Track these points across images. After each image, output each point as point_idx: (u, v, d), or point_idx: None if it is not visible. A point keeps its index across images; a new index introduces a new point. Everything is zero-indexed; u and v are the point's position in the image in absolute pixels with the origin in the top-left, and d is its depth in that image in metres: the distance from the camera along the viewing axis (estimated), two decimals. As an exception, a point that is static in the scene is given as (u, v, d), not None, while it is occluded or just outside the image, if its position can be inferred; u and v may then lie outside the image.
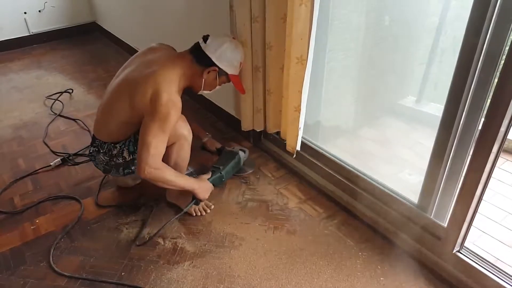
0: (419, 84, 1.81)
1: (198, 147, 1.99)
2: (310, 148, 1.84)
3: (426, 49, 1.65)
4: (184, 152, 1.61)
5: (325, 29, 1.63)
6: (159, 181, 1.47)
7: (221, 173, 1.74)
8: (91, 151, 1.67)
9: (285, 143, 1.83)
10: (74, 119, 2.48)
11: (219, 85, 1.63)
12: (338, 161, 1.73)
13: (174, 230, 1.63)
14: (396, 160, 1.81)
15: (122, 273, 1.45)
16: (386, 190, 1.54)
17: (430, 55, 1.64)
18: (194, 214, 1.69)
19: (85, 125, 2.42)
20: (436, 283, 1.36)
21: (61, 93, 2.82)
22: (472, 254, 1.31)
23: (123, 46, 3.55)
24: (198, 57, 1.53)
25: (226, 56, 1.54)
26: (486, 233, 1.63)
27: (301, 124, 1.66)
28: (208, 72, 1.54)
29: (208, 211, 1.71)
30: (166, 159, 1.60)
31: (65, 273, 1.44)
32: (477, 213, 1.24)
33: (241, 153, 1.87)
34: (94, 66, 3.33)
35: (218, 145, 1.98)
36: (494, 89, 1.06)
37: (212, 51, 1.52)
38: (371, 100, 1.94)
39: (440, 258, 1.38)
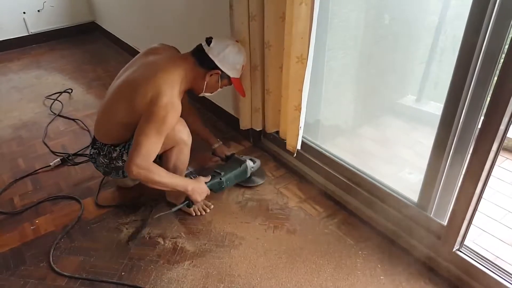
0: (419, 83, 1.81)
1: (200, 149, 1.97)
2: (310, 147, 1.84)
3: (426, 48, 1.65)
4: (183, 156, 1.61)
5: (324, 27, 1.63)
6: (147, 182, 1.45)
7: (221, 179, 1.67)
8: (91, 153, 1.66)
9: (285, 143, 1.83)
10: (73, 119, 2.48)
11: (221, 87, 1.62)
12: (338, 160, 1.73)
13: (174, 229, 1.63)
14: (396, 159, 1.81)
15: (122, 273, 1.45)
16: (386, 189, 1.54)
17: (430, 54, 1.64)
18: (194, 214, 1.69)
19: (84, 125, 2.42)
20: (436, 281, 1.36)
21: (61, 93, 2.81)
22: (472, 253, 1.31)
23: (123, 46, 3.54)
24: (201, 59, 1.52)
25: (229, 60, 1.53)
26: (486, 231, 1.64)
27: (302, 123, 1.66)
28: (211, 75, 1.54)
29: (208, 211, 1.71)
30: (165, 162, 1.60)
31: (65, 273, 1.44)
32: (476, 211, 1.24)
33: (249, 162, 1.78)
34: (94, 66, 3.33)
35: (228, 152, 1.91)
36: (494, 87, 1.06)
37: (215, 54, 1.51)
38: (371, 99, 1.94)
39: (440, 257, 1.38)
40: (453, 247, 1.32)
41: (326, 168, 1.77)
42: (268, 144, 2.09)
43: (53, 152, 2.15)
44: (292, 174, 1.92)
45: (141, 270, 1.46)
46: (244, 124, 2.00)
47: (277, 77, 1.73)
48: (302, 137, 1.78)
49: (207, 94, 1.64)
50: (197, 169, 1.93)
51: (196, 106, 2.56)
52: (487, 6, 1.01)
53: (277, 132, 1.97)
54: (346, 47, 1.82)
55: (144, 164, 1.39)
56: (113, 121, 1.54)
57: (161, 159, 1.62)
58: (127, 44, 3.45)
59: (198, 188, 1.56)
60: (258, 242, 1.56)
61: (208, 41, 1.53)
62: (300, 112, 1.61)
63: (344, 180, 1.69)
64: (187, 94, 1.69)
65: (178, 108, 1.43)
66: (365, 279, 1.39)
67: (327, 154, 1.78)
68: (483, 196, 1.21)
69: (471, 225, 1.28)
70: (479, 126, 1.14)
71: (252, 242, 1.56)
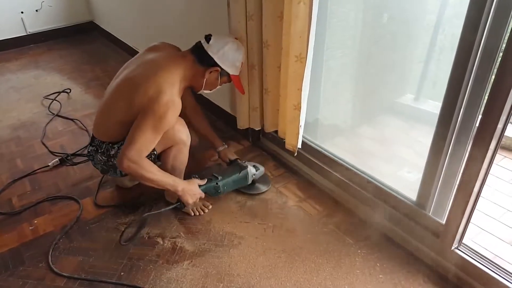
0: (417, 82, 1.81)
1: (200, 149, 1.96)
2: (309, 146, 1.84)
3: (424, 47, 1.65)
4: (182, 156, 1.61)
5: (323, 26, 1.63)
6: (137, 177, 1.45)
7: (217, 183, 1.64)
8: (89, 150, 1.66)
9: (284, 142, 1.83)
10: (72, 119, 2.48)
11: (220, 85, 1.63)
12: (336, 159, 1.73)
13: (173, 229, 1.63)
14: (395, 158, 1.81)
15: (121, 273, 1.44)
16: (385, 188, 1.54)
17: (428, 53, 1.64)
18: (193, 214, 1.69)
19: (83, 125, 2.41)
20: (435, 280, 1.37)
21: (59, 93, 2.81)
22: (471, 251, 1.31)
23: (121, 46, 3.54)
24: (200, 57, 1.52)
25: (228, 57, 1.54)
26: (484, 230, 1.64)
27: (302, 122, 1.65)
28: (210, 72, 1.54)
29: (206, 211, 1.71)
30: (164, 161, 1.60)
31: (64, 274, 1.44)
32: (475, 210, 1.25)
33: (250, 169, 1.72)
34: (92, 65, 3.32)
35: (232, 157, 1.85)
36: (492, 85, 1.06)
37: (215, 51, 1.52)
38: (369, 98, 1.94)
39: (439, 255, 1.38)
40: (452, 245, 1.32)
41: (325, 167, 1.77)
42: (267, 143, 2.09)
43: (52, 152, 2.15)
44: (291, 174, 1.92)
45: (140, 270, 1.45)
46: (242, 124, 2.00)
47: (276, 77, 1.73)
48: (302, 136, 1.78)
49: (206, 91, 1.64)
50: (197, 171, 1.91)
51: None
52: (484, 4, 1.01)
53: (276, 132, 1.97)
54: (345, 46, 1.82)
55: (136, 159, 1.39)
56: (112, 119, 1.54)
57: (160, 159, 1.62)
58: (125, 43, 3.44)
59: (189, 190, 1.55)
60: (257, 241, 1.56)
61: (207, 38, 1.53)
62: (300, 111, 1.61)
63: (343, 179, 1.69)
64: (192, 93, 1.69)
65: (178, 106, 1.44)
66: (364, 278, 1.39)
67: (326, 153, 1.78)
68: (481, 195, 1.21)
69: (470, 223, 1.28)
70: (477, 124, 1.14)
71: (251, 241, 1.56)
